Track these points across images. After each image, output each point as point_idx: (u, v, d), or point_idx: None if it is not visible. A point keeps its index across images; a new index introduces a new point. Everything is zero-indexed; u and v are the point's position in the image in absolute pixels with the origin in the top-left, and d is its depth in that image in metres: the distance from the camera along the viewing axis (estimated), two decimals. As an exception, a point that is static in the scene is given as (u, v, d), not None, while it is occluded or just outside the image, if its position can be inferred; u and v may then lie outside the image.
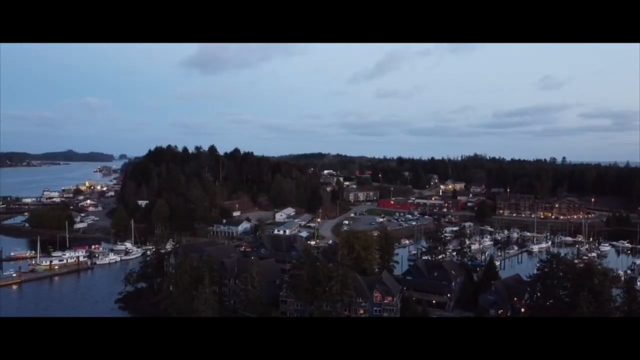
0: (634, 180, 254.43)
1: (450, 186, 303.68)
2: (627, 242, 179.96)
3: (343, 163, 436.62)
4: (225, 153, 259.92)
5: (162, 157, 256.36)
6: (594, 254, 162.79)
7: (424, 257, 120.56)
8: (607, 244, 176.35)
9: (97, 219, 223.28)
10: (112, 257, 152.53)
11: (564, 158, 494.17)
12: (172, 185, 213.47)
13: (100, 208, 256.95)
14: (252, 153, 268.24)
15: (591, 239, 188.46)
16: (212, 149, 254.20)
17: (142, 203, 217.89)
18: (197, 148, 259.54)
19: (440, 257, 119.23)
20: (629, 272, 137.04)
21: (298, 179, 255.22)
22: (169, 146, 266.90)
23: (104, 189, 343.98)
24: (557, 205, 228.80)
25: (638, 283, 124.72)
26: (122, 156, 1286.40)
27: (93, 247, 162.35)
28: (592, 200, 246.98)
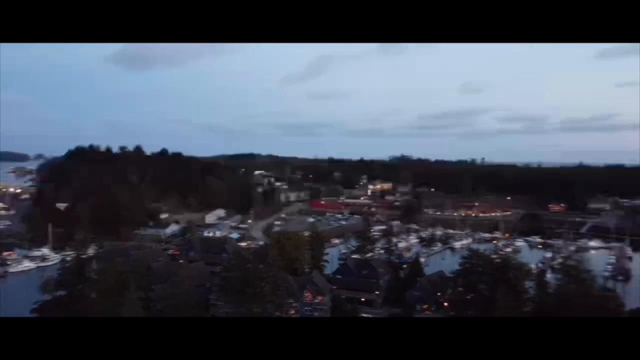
0: (545, 181, 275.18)
1: (378, 186, 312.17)
2: (539, 238, 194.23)
3: (275, 164, 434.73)
4: (153, 153, 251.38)
5: (83, 157, 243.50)
6: (509, 249, 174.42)
7: (353, 256, 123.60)
8: (521, 240, 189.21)
9: (10, 224, 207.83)
10: (27, 265, 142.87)
11: (482, 159, 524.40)
12: (94, 188, 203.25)
13: (13, 212, 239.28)
14: (181, 153, 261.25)
15: (507, 235, 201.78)
16: (139, 148, 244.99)
17: (62, 206, 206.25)
18: (122, 148, 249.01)
19: (369, 255, 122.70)
20: (540, 265, 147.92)
21: (229, 180, 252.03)
22: (91, 146, 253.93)
23: (18, 191, 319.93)
24: (477, 205, 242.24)
25: (548, 275, 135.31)
26: (39, 156, 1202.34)
27: (5, 253, 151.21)
28: (509, 199, 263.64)
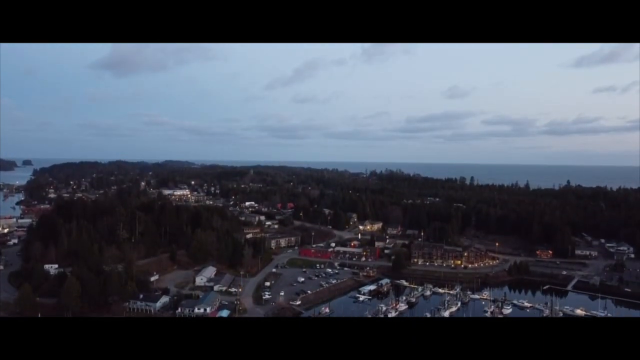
0: (532, 223, 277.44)
1: (368, 227, 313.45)
2: (526, 302, 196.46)
3: (265, 191, 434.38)
4: (142, 204, 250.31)
5: (72, 210, 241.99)
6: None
7: None
8: (509, 306, 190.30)
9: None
10: None
11: (472, 178, 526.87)
12: (83, 252, 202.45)
13: (1, 266, 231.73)
14: (170, 203, 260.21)
15: (495, 290, 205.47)
16: (128, 203, 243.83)
17: (50, 268, 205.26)
18: (111, 200, 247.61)
19: None
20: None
21: (219, 228, 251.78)
22: (80, 197, 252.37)
23: (6, 230, 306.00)
24: (465, 254, 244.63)
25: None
26: (27, 162, 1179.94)
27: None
28: (497, 244, 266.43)
